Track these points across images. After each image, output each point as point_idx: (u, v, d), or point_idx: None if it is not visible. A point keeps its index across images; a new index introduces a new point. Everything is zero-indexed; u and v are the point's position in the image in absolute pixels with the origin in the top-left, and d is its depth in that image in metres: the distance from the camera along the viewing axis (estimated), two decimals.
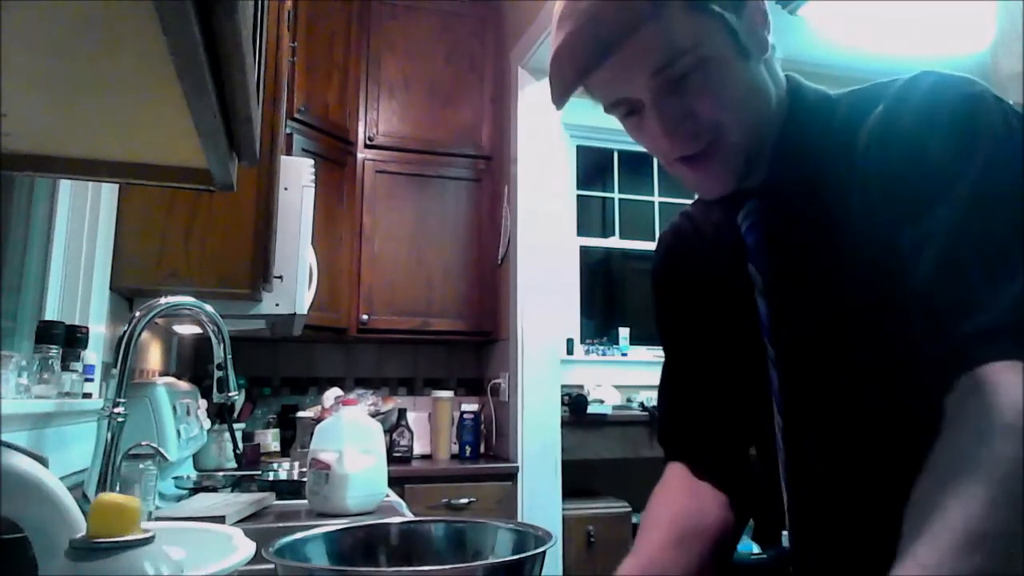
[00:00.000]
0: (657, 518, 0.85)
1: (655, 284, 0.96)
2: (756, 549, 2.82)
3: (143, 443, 1.30)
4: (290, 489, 1.75)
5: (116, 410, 1.18)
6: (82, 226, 1.56)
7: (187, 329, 2.38)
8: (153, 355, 2.18)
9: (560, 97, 0.72)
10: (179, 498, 1.65)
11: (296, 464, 2.02)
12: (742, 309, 0.81)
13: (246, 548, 0.77)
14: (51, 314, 1.44)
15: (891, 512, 0.58)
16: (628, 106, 0.73)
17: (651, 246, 3.77)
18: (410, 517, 1.39)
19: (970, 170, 0.62)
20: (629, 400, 3.54)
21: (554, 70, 0.71)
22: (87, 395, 1.38)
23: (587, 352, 3.68)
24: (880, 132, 0.69)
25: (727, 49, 0.69)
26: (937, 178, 0.64)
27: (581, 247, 3.82)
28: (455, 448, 3.01)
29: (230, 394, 1.32)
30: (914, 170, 0.65)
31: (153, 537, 0.49)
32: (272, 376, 3.15)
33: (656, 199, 4.10)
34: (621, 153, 4.05)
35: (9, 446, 0.60)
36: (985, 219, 0.61)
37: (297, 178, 1.96)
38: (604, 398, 3.34)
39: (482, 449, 3.06)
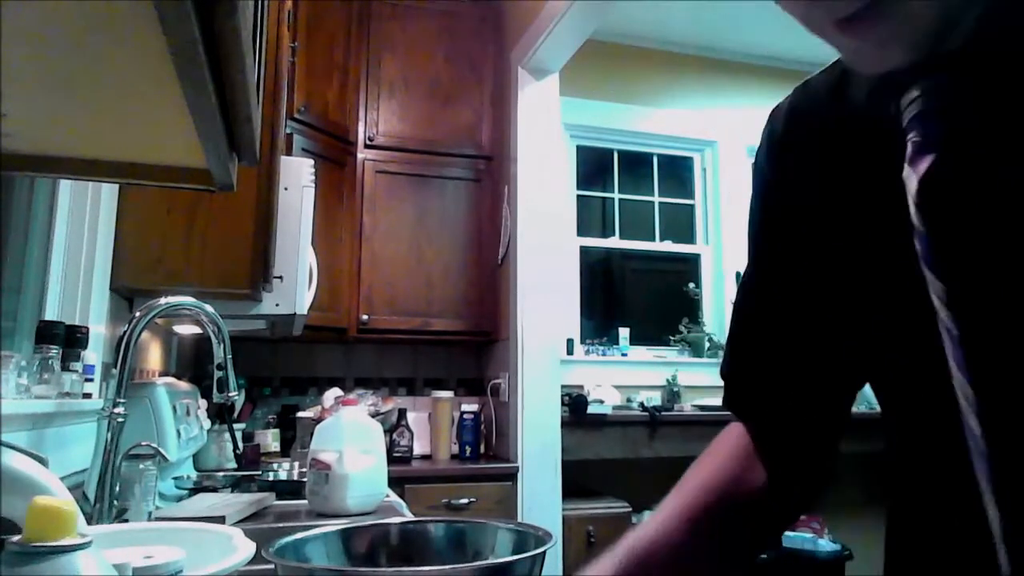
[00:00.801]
0: (688, 481, 0.68)
1: (755, 174, 0.72)
2: None
3: (143, 443, 1.30)
4: (290, 489, 1.75)
5: (116, 410, 1.18)
6: (82, 226, 1.56)
7: (187, 329, 2.38)
8: (153, 355, 2.18)
9: None
10: (179, 498, 1.65)
11: (296, 464, 2.02)
12: (887, 223, 0.54)
13: (246, 548, 0.77)
14: (51, 314, 1.44)
15: None
16: None
17: (651, 246, 3.76)
18: (410, 517, 1.39)
19: None
20: (629, 400, 3.54)
21: None
22: (87, 395, 1.38)
23: (587, 352, 3.68)
24: None
25: None
26: None
27: (581, 247, 3.82)
28: (455, 448, 3.01)
29: (230, 394, 1.32)
30: None
31: (91, 542, 0.49)
32: (272, 376, 3.15)
33: (656, 199, 4.10)
34: (621, 153, 4.06)
35: (9, 446, 0.60)
36: None
37: (297, 178, 1.96)
38: (604, 398, 3.34)
39: (482, 449, 3.06)
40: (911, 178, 0.50)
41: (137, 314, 1.21)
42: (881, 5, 0.43)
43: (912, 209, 0.50)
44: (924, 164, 0.48)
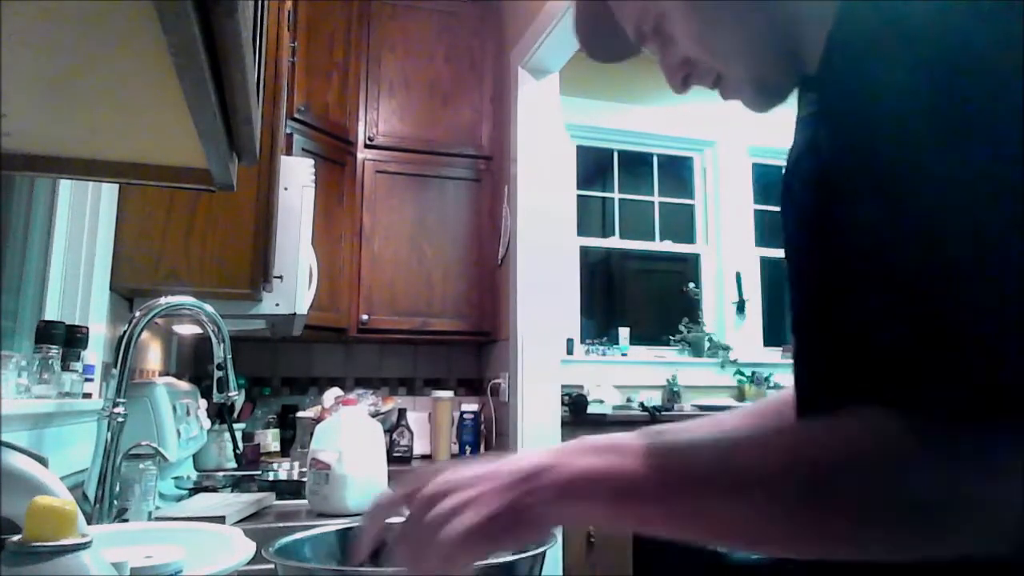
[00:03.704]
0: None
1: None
2: None
3: (143, 443, 1.30)
4: (290, 489, 1.75)
5: (116, 410, 1.18)
6: (82, 226, 1.56)
7: (187, 329, 2.38)
8: (153, 355, 2.18)
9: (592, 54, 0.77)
10: (179, 498, 1.65)
11: (296, 464, 2.02)
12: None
13: (246, 548, 0.77)
14: (51, 314, 1.44)
15: None
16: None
17: (651, 246, 3.77)
18: None
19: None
20: (629, 400, 3.54)
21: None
22: (87, 395, 1.38)
23: (587, 352, 3.68)
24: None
25: None
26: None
27: (581, 247, 3.82)
28: (455, 448, 3.01)
29: (230, 394, 1.32)
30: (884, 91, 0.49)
31: (91, 542, 0.49)
32: (272, 376, 3.15)
33: (656, 199, 4.10)
34: (621, 153, 4.06)
35: (9, 446, 0.60)
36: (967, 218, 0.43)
37: (297, 178, 1.96)
38: (604, 398, 3.34)
39: (482, 449, 3.06)
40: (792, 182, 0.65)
41: (137, 314, 1.21)
42: (722, 83, 0.67)
43: (785, 191, 0.65)
44: (792, 158, 0.65)
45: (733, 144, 4.10)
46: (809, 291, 0.62)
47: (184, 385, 2.00)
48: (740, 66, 0.65)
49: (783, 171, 0.67)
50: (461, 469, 0.53)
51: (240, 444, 2.18)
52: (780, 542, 0.51)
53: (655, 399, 3.52)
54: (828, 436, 0.49)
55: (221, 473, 2.04)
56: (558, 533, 0.67)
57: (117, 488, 1.20)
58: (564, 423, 2.93)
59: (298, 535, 0.73)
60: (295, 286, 1.90)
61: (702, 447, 0.55)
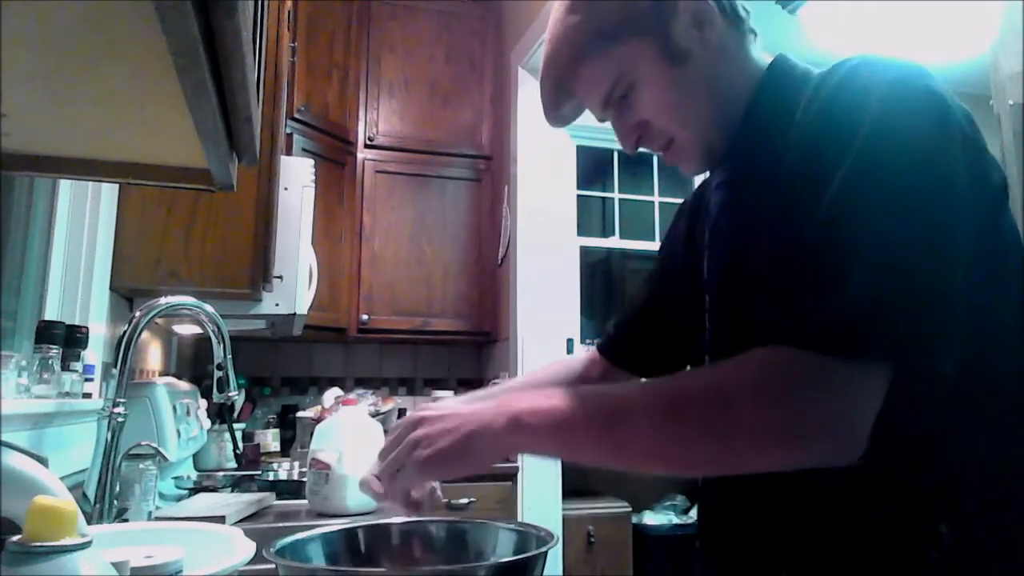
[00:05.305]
0: (534, 374, 1.12)
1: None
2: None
3: (143, 443, 1.30)
4: (290, 489, 1.75)
5: (116, 410, 1.18)
6: (82, 226, 1.56)
7: (187, 329, 2.38)
8: (153, 355, 2.18)
9: (552, 122, 0.97)
10: (179, 498, 1.65)
11: (296, 464, 2.02)
12: (696, 264, 0.90)
13: (246, 548, 0.77)
14: (51, 314, 1.44)
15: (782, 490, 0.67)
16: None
17: (651, 246, 3.78)
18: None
19: (843, 167, 0.62)
20: None
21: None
22: (87, 395, 1.38)
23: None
24: (804, 109, 0.71)
25: (656, 65, 0.79)
26: (820, 169, 0.64)
27: (581, 247, 3.81)
28: None
29: (230, 394, 1.32)
30: (812, 154, 0.67)
31: (91, 542, 0.49)
32: (272, 376, 3.15)
33: (656, 199, 4.10)
34: (621, 153, 4.05)
35: (9, 446, 0.60)
36: (840, 226, 0.61)
37: (297, 178, 1.96)
38: None
39: None
40: (707, 231, 0.86)
41: (137, 314, 1.21)
42: (671, 147, 0.84)
43: (706, 248, 0.86)
44: (712, 224, 0.85)
45: None
46: (725, 313, 0.82)
47: (184, 385, 2.00)
48: (695, 131, 0.81)
49: (708, 227, 0.88)
50: (433, 407, 0.68)
51: (240, 444, 2.18)
52: (696, 454, 0.61)
53: None
54: (721, 367, 0.62)
55: (221, 473, 2.04)
56: (558, 533, 0.68)
57: (117, 488, 1.20)
58: None
59: (298, 535, 0.73)
60: (295, 286, 1.90)
61: (613, 389, 0.70)
